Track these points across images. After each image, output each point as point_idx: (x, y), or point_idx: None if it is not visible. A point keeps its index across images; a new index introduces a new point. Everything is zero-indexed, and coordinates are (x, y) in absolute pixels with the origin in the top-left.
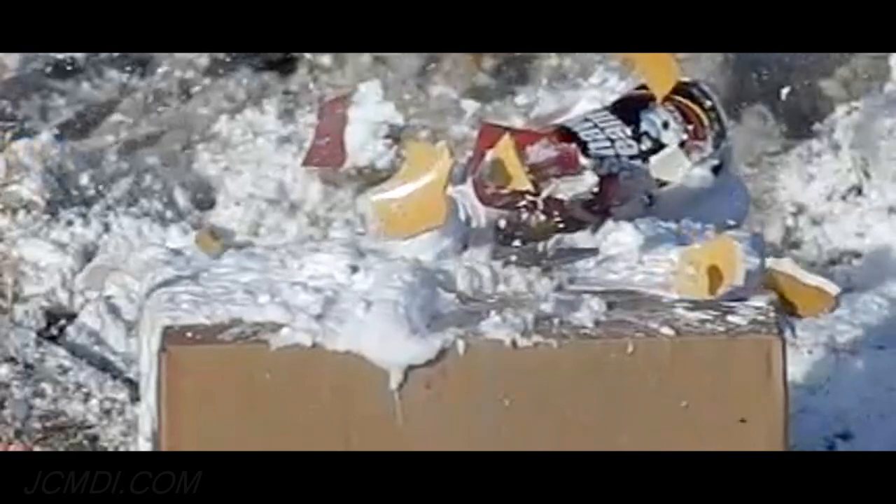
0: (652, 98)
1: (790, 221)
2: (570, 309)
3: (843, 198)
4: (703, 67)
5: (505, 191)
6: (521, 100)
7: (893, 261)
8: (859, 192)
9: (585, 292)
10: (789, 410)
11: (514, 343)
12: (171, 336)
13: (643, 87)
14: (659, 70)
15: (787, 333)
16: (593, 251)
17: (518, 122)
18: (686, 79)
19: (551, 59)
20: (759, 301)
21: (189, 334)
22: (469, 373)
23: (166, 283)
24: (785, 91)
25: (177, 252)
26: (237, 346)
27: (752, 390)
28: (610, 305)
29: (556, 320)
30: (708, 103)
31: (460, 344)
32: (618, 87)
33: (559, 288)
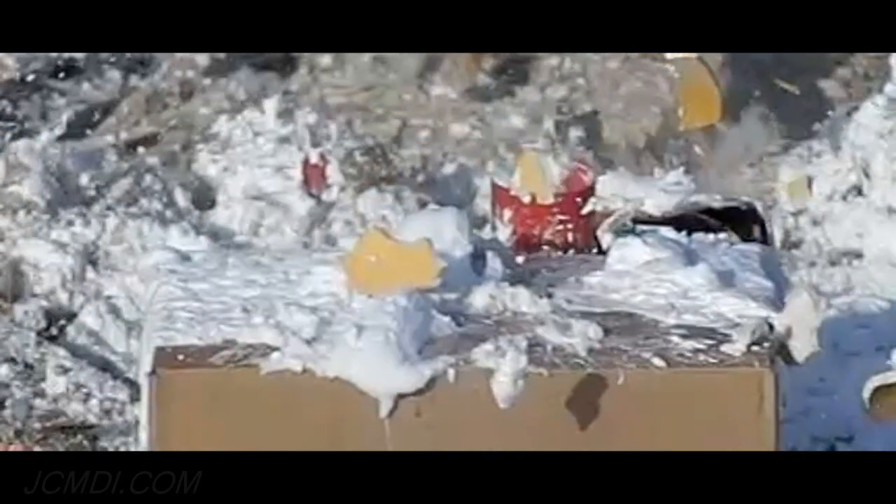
0: (708, 228)
1: (790, 221)
2: (566, 335)
3: (844, 198)
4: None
5: (537, 204)
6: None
7: (893, 261)
8: (859, 192)
9: (584, 314)
10: (781, 441)
11: None
12: (162, 358)
13: (707, 210)
14: (699, 104)
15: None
16: (600, 264)
17: (518, 123)
18: (758, 211)
19: (551, 59)
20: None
21: (180, 357)
22: (459, 401)
23: (168, 297)
24: (785, 91)
25: (185, 257)
26: (227, 371)
27: (743, 423)
28: (606, 331)
29: (549, 347)
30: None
31: (451, 372)
32: (685, 201)
33: (559, 308)
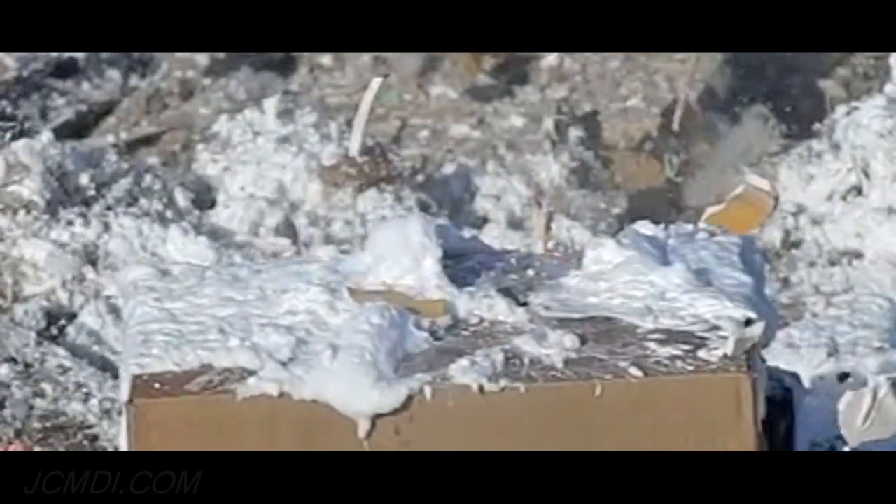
0: None
1: (790, 221)
2: (542, 345)
3: (843, 198)
4: (703, 67)
5: None
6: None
7: (893, 261)
8: (859, 192)
9: (561, 321)
10: (762, 445)
11: (481, 389)
12: (139, 387)
13: None
14: (745, 214)
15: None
16: (576, 264)
17: (518, 123)
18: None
19: (551, 59)
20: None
21: (157, 385)
22: (437, 419)
23: (144, 319)
24: (784, 91)
25: (163, 272)
26: (204, 398)
27: (721, 429)
28: (583, 340)
29: (526, 359)
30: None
31: (427, 390)
32: None
33: (536, 315)
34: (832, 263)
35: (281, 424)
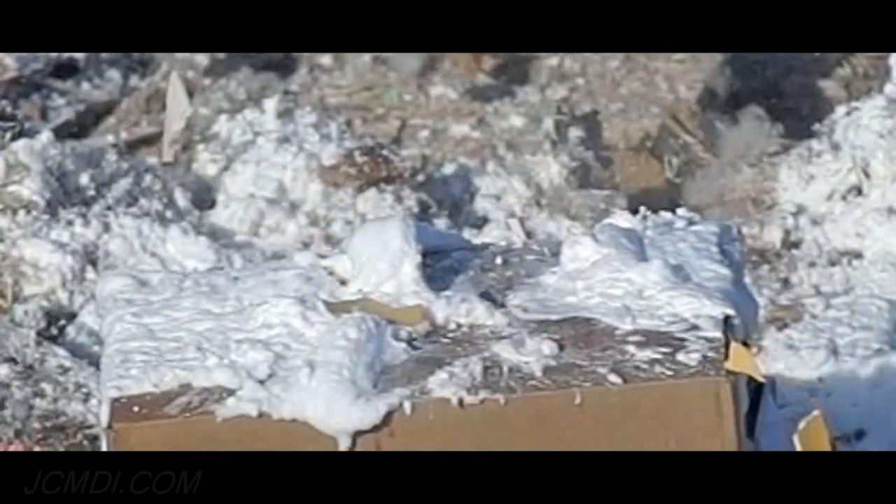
0: None
1: (790, 221)
2: (521, 352)
3: (843, 198)
4: (703, 67)
5: None
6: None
7: (893, 261)
8: (859, 192)
9: (539, 323)
10: (744, 447)
11: (460, 402)
12: (118, 411)
13: None
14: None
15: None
16: (553, 262)
17: (518, 123)
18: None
19: (551, 59)
20: (712, 332)
21: (136, 408)
22: (418, 433)
23: (123, 336)
24: (784, 91)
25: (141, 282)
26: (183, 420)
27: (703, 433)
28: (561, 345)
29: (505, 367)
30: None
31: (407, 405)
32: None
33: (514, 319)
34: (832, 264)
35: (261, 444)
